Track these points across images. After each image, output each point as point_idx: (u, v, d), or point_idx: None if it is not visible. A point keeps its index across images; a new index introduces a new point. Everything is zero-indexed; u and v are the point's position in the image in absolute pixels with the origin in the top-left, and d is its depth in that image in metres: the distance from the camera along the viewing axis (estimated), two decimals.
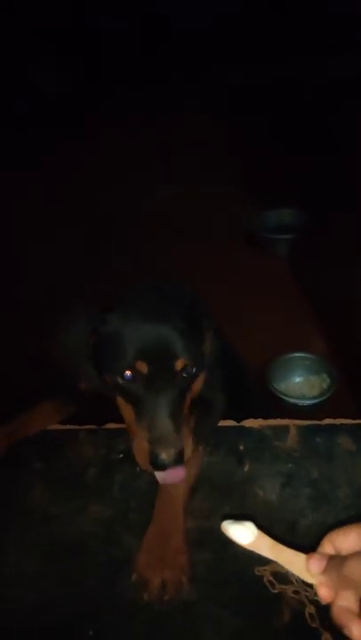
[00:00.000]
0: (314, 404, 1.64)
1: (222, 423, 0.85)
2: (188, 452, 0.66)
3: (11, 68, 3.84)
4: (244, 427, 0.85)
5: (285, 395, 1.68)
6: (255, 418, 0.86)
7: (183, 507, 0.71)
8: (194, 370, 0.70)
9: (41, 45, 3.95)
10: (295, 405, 1.65)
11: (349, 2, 3.20)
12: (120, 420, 0.73)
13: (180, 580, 0.64)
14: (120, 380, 0.68)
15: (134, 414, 0.68)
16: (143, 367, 0.67)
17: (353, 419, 0.85)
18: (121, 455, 0.80)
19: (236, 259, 2.35)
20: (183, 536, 0.68)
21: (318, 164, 2.76)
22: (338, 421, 0.84)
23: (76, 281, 2.18)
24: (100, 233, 2.57)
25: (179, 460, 0.64)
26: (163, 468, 0.64)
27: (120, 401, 0.70)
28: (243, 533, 0.61)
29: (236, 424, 0.85)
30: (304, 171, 2.75)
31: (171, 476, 0.65)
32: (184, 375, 0.69)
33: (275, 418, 0.87)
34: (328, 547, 0.58)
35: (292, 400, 1.66)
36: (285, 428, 0.83)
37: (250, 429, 0.84)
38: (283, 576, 0.62)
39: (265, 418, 0.86)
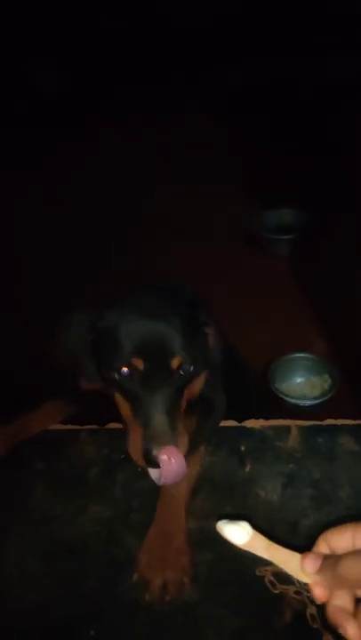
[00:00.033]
0: (315, 405, 1.64)
1: (224, 423, 0.85)
2: (182, 450, 0.66)
3: (11, 67, 3.84)
4: (245, 427, 0.85)
5: (287, 395, 1.68)
6: (256, 418, 0.86)
7: (185, 507, 0.71)
8: (191, 368, 0.70)
9: (41, 45, 3.94)
10: (297, 406, 1.65)
11: (349, 2, 3.20)
12: (121, 420, 0.73)
13: (182, 581, 0.64)
14: (117, 377, 0.68)
15: (131, 411, 0.68)
16: (139, 363, 0.67)
17: (354, 419, 0.85)
18: (123, 455, 0.80)
19: (237, 259, 2.35)
20: (185, 536, 0.68)
21: (318, 164, 2.75)
22: (339, 422, 0.84)
23: (76, 281, 2.17)
24: (100, 233, 2.56)
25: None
26: (156, 464, 0.63)
27: (118, 397, 0.71)
28: (238, 533, 0.60)
29: (238, 424, 0.85)
30: (304, 171, 2.75)
31: (165, 477, 0.64)
32: (181, 373, 0.69)
33: (276, 418, 0.86)
34: (323, 546, 0.57)
35: (293, 400, 1.66)
36: (287, 429, 0.83)
37: (251, 430, 0.84)
38: (284, 576, 0.62)
39: (266, 418, 0.86)
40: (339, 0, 3.24)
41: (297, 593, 0.61)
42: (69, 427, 0.87)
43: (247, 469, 0.78)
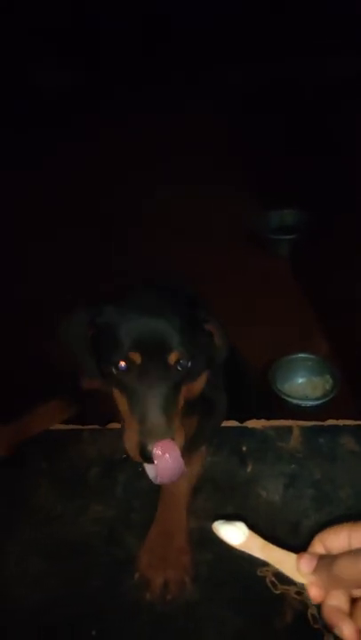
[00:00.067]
0: (317, 405, 1.64)
1: (225, 423, 0.85)
2: (179, 444, 0.65)
3: (11, 67, 3.84)
4: (246, 427, 0.85)
5: (288, 396, 1.68)
6: (258, 418, 0.86)
7: (186, 507, 0.71)
8: (189, 364, 0.70)
9: (41, 45, 3.94)
10: (298, 406, 1.65)
11: (349, 2, 3.20)
12: (119, 417, 0.73)
13: (183, 581, 0.64)
14: (115, 371, 0.68)
15: (128, 406, 0.68)
16: (137, 357, 0.67)
17: (356, 419, 0.85)
18: (124, 455, 0.80)
19: (237, 259, 2.35)
20: (186, 536, 0.68)
21: (318, 164, 2.75)
22: (341, 422, 0.84)
23: (76, 281, 2.17)
24: (100, 233, 2.56)
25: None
26: (151, 459, 0.63)
27: (116, 393, 0.71)
28: (234, 534, 0.60)
29: (239, 424, 0.85)
30: (305, 171, 2.75)
31: (161, 474, 0.63)
32: (178, 368, 0.69)
33: (278, 418, 0.86)
34: (318, 546, 0.57)
35: (295, 401, 1.66)
36: (288, 429, 0.83)
37: (253, 430, 0.84)
38: (285, 577, 0.62)
39: (268, 418, 0.86)
40: (339, 0, 3.24)
41: (298, 593, 0.61)
42: (71, 426, 0.87)
43: (249, 470, 0.78)
